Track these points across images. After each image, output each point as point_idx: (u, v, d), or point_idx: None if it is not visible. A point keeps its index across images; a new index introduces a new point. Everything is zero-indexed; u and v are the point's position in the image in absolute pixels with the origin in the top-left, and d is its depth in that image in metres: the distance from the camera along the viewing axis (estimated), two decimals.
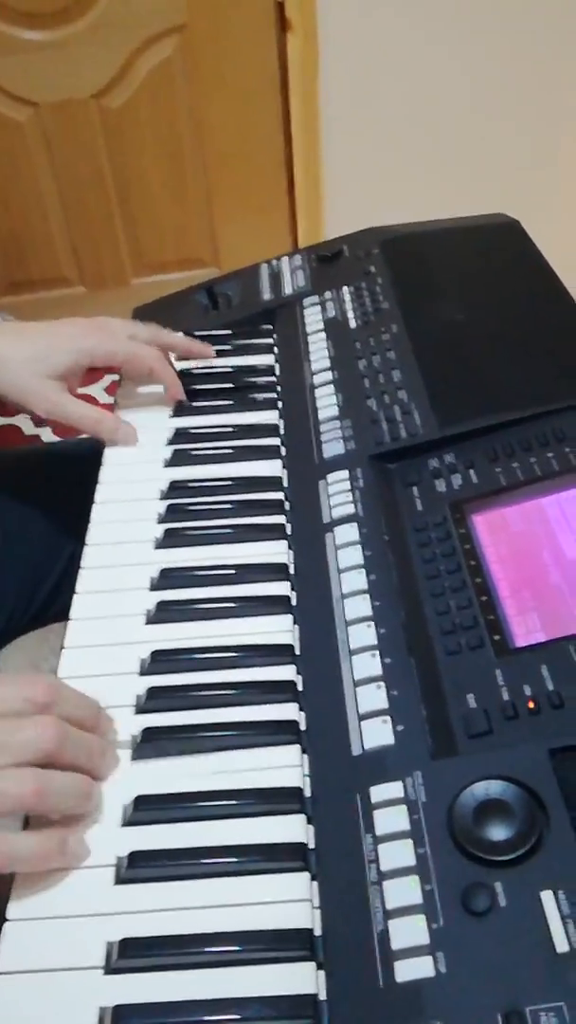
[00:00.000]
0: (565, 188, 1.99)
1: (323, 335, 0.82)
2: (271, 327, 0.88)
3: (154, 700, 0.54)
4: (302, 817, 0.47)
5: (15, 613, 0.85)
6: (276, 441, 0.74)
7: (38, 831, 0.47)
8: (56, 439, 1.90)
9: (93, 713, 0.51)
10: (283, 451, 0.73)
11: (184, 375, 0.81)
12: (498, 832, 0.42)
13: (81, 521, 0.68)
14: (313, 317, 0.85)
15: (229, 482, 0.71)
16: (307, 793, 0.49)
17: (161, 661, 0.57)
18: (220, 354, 0.85)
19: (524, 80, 1.85)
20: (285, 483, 0.70)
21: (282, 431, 0.75)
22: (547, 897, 0.39)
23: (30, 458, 1.01)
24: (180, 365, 0.82)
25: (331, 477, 0.67)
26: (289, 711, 0.53)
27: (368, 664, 0.53)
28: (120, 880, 0.46)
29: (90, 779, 0.49)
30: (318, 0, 1.70)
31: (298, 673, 0.55)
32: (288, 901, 0.44)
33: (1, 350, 0.72)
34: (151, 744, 0.52)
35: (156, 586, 0.62)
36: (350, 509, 0.63)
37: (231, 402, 0.79)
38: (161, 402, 0.80)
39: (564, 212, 1.97)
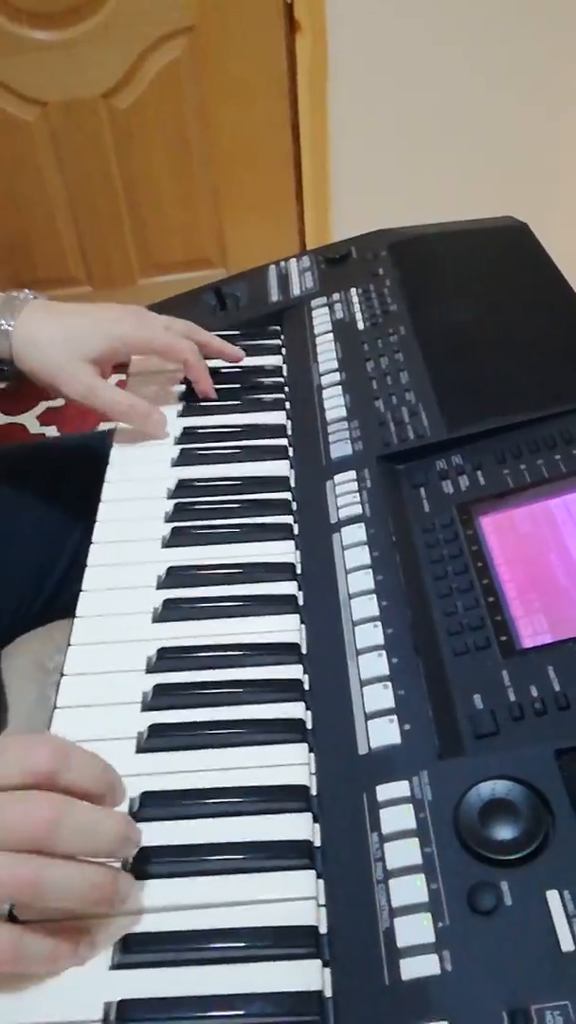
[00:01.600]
0: (574, 191, 1.99)
1: (331, 336, 0.82)
2: (279, 328, 0.88)
3: (161, 697, 0.54)
4: (308, 815, 0.47)
5: (20, 608, 0.85)
6: (284, 441, 0.74)
7: (52, 929, 0.41)
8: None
9: (106, 783, 0.43)
10: (291, 451, 0.73)
11: None
12: (504, 832, 0.42)
13: (85, 515, 0.68)
14: (321, 318, 0.85)
15: (236, 482, 0.71)
16: (313, 791, 0.49)
17: (168, 659, 0.57)
18: None
19: (534, 82, 1.85)
20: (292, 483, 0.70)
21: (290, 432, 0.75)
22: (552, 896, 0.40)
23: (33, 453, 1.01)
24: None
25: (338, 478, 0.67)
26: (296, 710, 0.53)
27: (375, 664, 0.53)
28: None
29: (108, 868, 0.42)
30: (327, 1, 1.70)
31: (305, 672, 0.55)
32: (294, 899, 0.44)
33: (36, 330, 0.70)
34: (157, 741, 0.52)
35: (163, 584, 0.62)
36: (357, 510, 0.63)
37: (239, 402, 0.80)
38: (168, 401, 0.80)
39: (573, 214, 1.97)
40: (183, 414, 0.79)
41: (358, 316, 0.83)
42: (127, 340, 0.72)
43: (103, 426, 0.89)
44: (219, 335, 0.86)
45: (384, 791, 0.46)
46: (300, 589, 0.61)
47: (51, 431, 1.93)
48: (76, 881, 0.40)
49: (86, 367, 0.71)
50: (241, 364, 0.83)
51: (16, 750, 0.41)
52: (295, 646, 0.57)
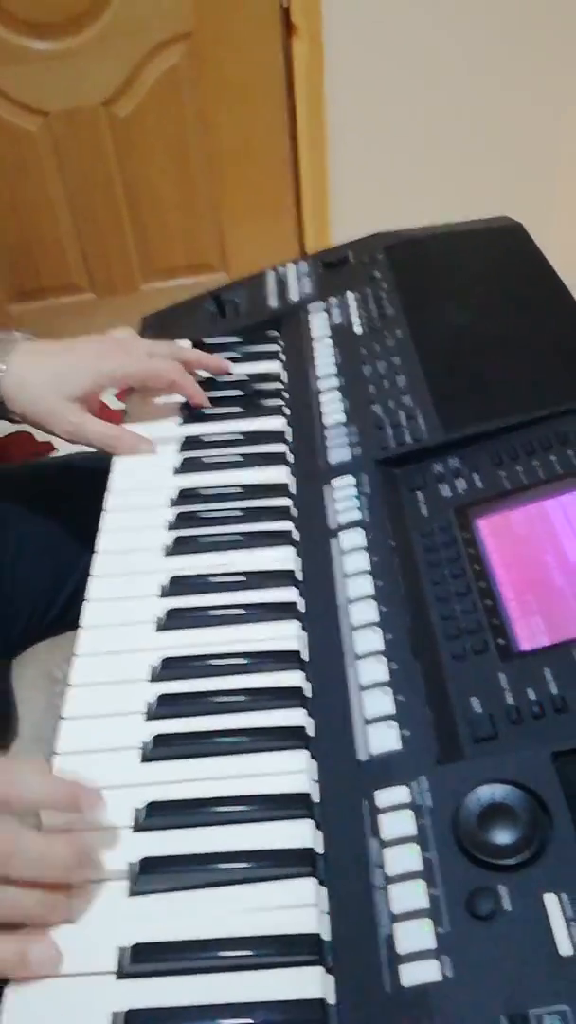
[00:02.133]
0: (569, 192, 1.98)
1: (329, 341, 0.82)
2: (278, 334, 0.88)
3: (165, 706, 0.55)
4: (310, 822, 0.48)
5: (32, 621, 0.86)
6: (283, 447, 0.75)
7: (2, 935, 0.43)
8: (69, 447, 1.91)
9: (66, 800, 0.46)
10: (290, 457, 0.74)
11: None
12: (503, 836, 0.42)
13: (97, 530, 0.69)
14: (319, 323, 0.85)
15: (237, 489, 0.71)
16: (315, 798, 0.49)
17: (171, 668, 0.57)
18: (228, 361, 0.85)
19: (531, 85, 1.84)
20: (292, 489, 0.70)
21: (289, 437, 0.76)
22: (551, 901, 0.40)
23: (49, 470, 1.02)
24: None
25: (337, 482, 0.67)
26: (297, 717, 0.53)
27: (374, 669, 0.53)
28: (132, 886, 0.46)
29: (53, 893, 0.44)
30: (323, 5, 1.70)
31: (306, 679, 0.56)
32: (296, 906, 0.44)
33: (22, 372, 0.73)
34: (162, 750, 0.52)
35: (166, 593, 0.63)
36: (356, 514, 0.64)
37: (239, 409, 0.80)
38: (170, 410, 0.81)
39: (568, 215, 1.97)
40: (184, 422, 0.79)
41: (355, 320, 0.83)
42: (112, 375, 0.75)
43: None
44: (218, 342, 0.87)
45: (384, 797, 0.46)
46: (300, 595, 0.61)
47: (56, 439, 1.94)
48: (19, 903, 0.43)
49: (72, 406, 0.73)
50: (240, 370, 0.84)
51: None
52: (296, 653, 0.57)
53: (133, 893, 0.46)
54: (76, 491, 0.88)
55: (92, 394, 0.75)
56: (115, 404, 0.91)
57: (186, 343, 0.85)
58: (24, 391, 0.73)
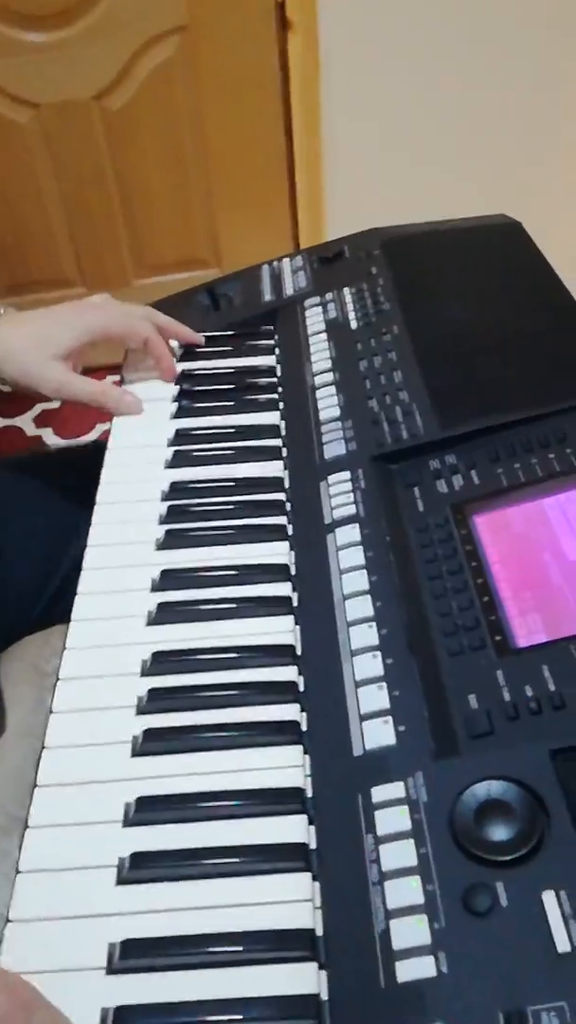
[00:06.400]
0: (567, 189, 1.99)
1: (324, 336, 0.82)
2: (272, 328, 0.88)
3: (155, 701, 0.54)
4: (303, 817, 0.47)
5: (20, 613, 0.85)
6: (277, 442, 0.74)
7: None
8: (58, 439, 1.90)
9: None
10: (284, 452, 0.73)
11: (186, 376, 0.82)
12: (499, 832, 0.42)
13: (87, 524, 0.68)
14: (314, 318, 0.85)
15: (230, 483, 0.71)
16: (308, 793, 0.49)
17: (162, 662, 0.57)
18: (221, 355, 0.85)
19: (526, 79, 1.85)
20: (286, 484, 0.70)
21: (283, 432, 0.75)
22: (548, 897, 0.39)
23: (38, 463, 1.01)
24: (181, 366, 0.83)
25: (332, 478, 0.67)
26: (290, 712, 0.53)
27: (370, 665, 0.53)
28: (122, 881, 0.46)
29: None
30: (319, 0, 1.70)
31: (299, 674, 0.55)
32: (290, 901, 0.44)
33: (5, 339, 0.75)
34: (153, 744, 0.52)
35: (157, 587, 0.62)
36: (351, 510, 0.63)
37: (232, 403, 0.79)
38: (162, 403, 0.80)
39: (566, 213, 1.97)
40: (177, 416, 0.79)
41: (351, 315, 0.82)
42: (90, 329, 0.77)
43: (99, 430, 0.90)
44: (212, 335, 0.86)
45: (379, 792, 0.46)
46: (294, 590, 0.61)
47: (47, 433, 1.93)
48: None
49: (56, 365, 0.75)
50: (235, 364, 0.83)
51: None
52: (290, 648, 0.57)
53: (122, 887, 0.45)
54: (65, 484, 0.87)
55: (75, 351, 0.76)
56: None
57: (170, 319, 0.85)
58: (9, 359, 0.75)
